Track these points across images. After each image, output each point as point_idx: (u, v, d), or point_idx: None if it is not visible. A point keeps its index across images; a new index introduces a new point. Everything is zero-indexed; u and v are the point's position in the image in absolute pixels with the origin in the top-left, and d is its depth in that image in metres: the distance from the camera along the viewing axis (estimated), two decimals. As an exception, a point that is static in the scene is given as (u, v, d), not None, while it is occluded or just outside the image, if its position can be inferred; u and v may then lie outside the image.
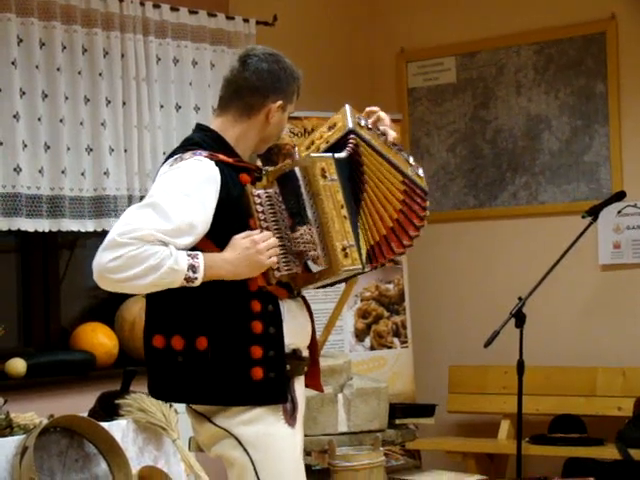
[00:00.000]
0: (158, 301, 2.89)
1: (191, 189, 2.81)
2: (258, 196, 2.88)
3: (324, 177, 2.88)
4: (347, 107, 3.05)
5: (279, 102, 2.97)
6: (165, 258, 2.73)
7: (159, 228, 2.75)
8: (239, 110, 2.97)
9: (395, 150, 3.03)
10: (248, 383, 2.83)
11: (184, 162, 2.86)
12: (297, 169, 2.89)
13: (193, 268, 2.76)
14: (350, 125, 2.98)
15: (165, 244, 2.75)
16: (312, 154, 2.96)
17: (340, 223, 2.87)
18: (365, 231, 2.94)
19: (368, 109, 3.11)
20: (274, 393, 2.86)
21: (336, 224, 2.86)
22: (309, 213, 2.86)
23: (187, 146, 2.94)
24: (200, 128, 3.04)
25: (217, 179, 2.84)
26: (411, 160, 3.06)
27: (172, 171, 2.87)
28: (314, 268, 2.85)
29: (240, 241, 2.84)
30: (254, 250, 2.82)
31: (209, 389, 2.84)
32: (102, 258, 2.74)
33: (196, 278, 2.77)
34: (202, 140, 2.95)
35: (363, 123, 3.02)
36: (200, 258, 2.78)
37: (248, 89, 2.96)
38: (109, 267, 2.73)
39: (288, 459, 2.89)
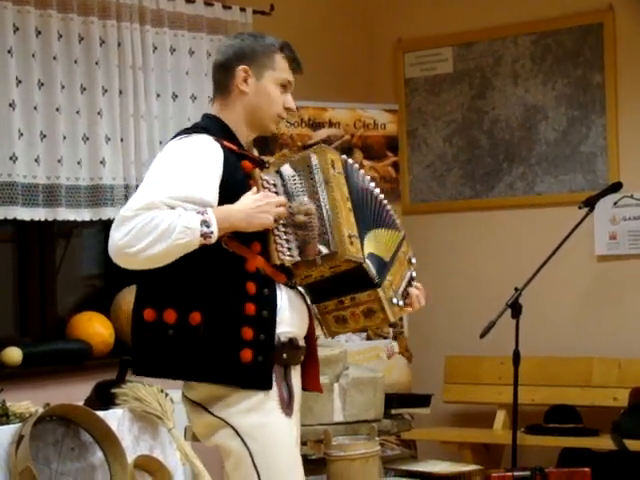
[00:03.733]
0: (151, 275, 2.87)
1: (196, 163, 2.83)
2: (266, 181, 2.90)
3: (333, 168, 2.92)
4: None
5: (242, 66, 2.97)
6: (175, 219, 2.74)
7: (166, 194, 2.77)
8: (217, 93, 3.03)
9: (405, 277, 3.06)
10: (236, 364, 2.82)
11: (189, 138, 2.89)
12: (313, 156, 2.91)
13: (206, 223, 2.76)
14: (402, 231, 3.09)
15: (173, 207, 2.76)
16: (322, 145, 3.01)
17: (346, 213, 2.89)
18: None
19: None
20: (260, 378, 2.85)
21: (343, 212, 2.88)
22: (321, 198, 2.88)
23: (194, 129, 2.97)
24: (207, 117, 3.06)
25: (221, 157, 2.87)
26: (399, 292, 3.00)
27: (177, 147, 2.89)
28: (318, 252, 2.84)
29: (250, 194, 2.87)
30: (265, 202, 2.85)
31: (196, 365, 2.84)
32: (114, 237, 2.75)
33: (212, 232, 2.77)
34: (207, 126, 2.97)
35: (414, 260, 3.13)
36: (210, 212, 2.78)
37: (216, 69, 3.03)
38: (122, 243, 2.73)
39: (285, 449, 2.89)
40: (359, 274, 2.90)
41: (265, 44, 2.99)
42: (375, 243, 2.96)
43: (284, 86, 3.01)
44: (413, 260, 3.13)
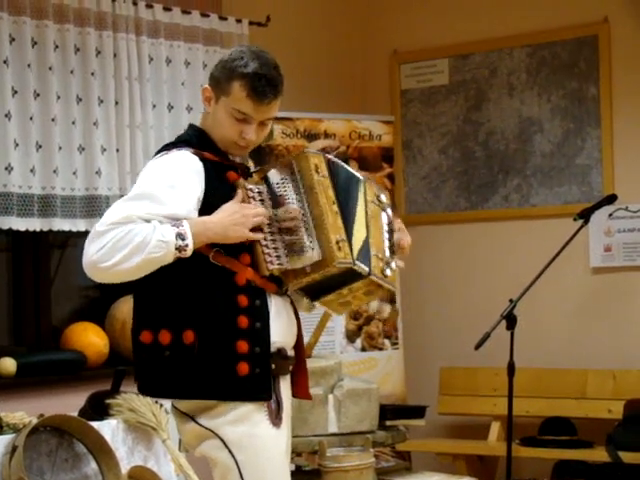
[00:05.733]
0: (146, 296, 2.89)
1: (175, 180, 2.82)
2: (251, 190, 2.90)
3: (317, 172, 2.90)
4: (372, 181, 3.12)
5: (205, 86, 2.95)
6: (150, 233, 2.72)
7: (142, 210, 2.76)
8: None
9: (383, 229, 3.03)
10: (234, 378, 2.83)
11: (168, 155, 2.89)
12: (295, 162, 2.91)
13: (181, 236, 2.75)
14: (362, 177, 3.04)
15: (148, 221, 2.75)
16: (305, 150, 2.98)
17: (333, 217, 2.88)
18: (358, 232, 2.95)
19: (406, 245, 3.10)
20: (259, 389, 2.86)
21: (330, 217, 2.87)
22: (305, 205, 2.87)
23: (175, 143, 2.96)
24: (190, 126, 3.05)
25: (201, 172, 2.86)
26: (387, 251, 3.01)
27: (156, 165, 2.88)
28: (307, 260, 2.84)
29: (229, 206, 2.85)
30: (240, 215, 2.82)
31: (195, 384, 2.84)
32: (88, 251, 2.75)
33: (187, 245, 2.76)
34: (189, 138, 2.96)
35: (383, 198, 3.06)
36: (185, 224, 2.77)
37: None
38: (96, 258, 2.73)
39: (272, 460, 2.88)
40: (350, 273, 2.91)
41: (229, 68, 2.87)
42: (358, 232, 2.94)
43: (238, 117, 2.87)
44: (382, 198, 3.08)
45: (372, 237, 2.97)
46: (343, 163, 3.05)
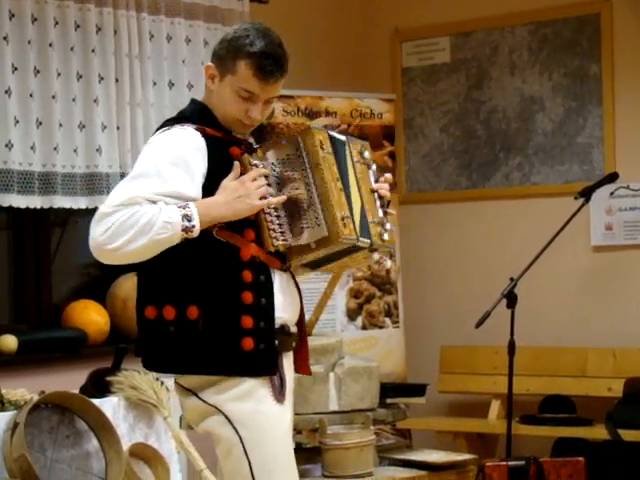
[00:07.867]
0: (150, 272, 2.89)
1: (177, 158, 2.82)
2: (255, 166, 2.90)
3: (322, 149, 2.91)
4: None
5: (209, 64, 2.94)
6: (155, 214, 2.73)
7: (147, 190, 2.76)
8: None
9: (371, 189, 3.03)
10: (238, 353, 2.84)
11: (170, 132, 2.88)
12: (301, 139, 2.90)
13: (187, 217, 2.76)
14: (344, 138, 3.02)
15: (154, 202, 2.75)
16: (310, 126, 2.97)
17: (338, 194, 2.89)
18: (357, 206, 2.96)
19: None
20: (264, 364, 2.87)
21: (335, 194, 2.88)
22: (311, 182, 2.87)
23: (177, 119, 2.96)
24: (192, 101, 3.05)
25: (203, 148, 2.86)
26: (380, 212, 3.02)
27: (158, 141, 2.88)
28: (312, 236, 2.85)
29: (230, 183, 2.85)
30: (243, 191, 2.82)
31: (200, 359, 2.85)
32: (94, 233, 2.76)
33: (194, 226, 2.77)
34: (191, 114, 2.95)
35: (367, 154, 3.05)
36: (192, 206, 2.78)
37: None
38: (102, 239, 2.74)
39: (276, 436, 2.89)
40: (354, 247, 2.94)
41: (235, 46, 2.87)
42: (355, 203, 2.94)
43: (244, 95, 2.87)
44: (366, 154, 3.04)
45: (366, 203, 2.99)
46: (339, 135, 3.03)
